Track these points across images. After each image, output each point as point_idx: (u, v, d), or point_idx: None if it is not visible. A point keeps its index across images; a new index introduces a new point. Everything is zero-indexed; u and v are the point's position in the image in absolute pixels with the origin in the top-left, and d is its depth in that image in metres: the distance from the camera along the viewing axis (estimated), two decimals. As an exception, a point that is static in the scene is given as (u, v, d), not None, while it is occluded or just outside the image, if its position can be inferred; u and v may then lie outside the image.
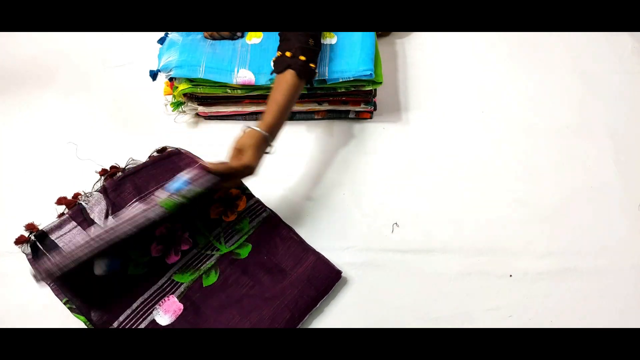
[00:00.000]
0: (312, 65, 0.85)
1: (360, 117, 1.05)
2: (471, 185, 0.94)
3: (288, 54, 0.83)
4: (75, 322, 0.75)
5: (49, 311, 0.78)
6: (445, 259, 0.83)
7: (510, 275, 0.81)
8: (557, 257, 0.83)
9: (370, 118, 1.05)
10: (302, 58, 0.83)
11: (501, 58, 1.17)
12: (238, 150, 0.77)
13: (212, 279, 0.79)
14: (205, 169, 0.73)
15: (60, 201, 0.89)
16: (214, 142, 1.02)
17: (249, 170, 0.77)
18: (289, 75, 0.82)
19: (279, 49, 0.86)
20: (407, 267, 0.82)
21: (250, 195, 0.89)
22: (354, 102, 1.02)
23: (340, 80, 0.94)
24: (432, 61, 1.17)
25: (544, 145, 1.00)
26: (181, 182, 0.72)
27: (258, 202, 0.89)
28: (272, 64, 0.86)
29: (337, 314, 0.78)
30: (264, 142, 0.78)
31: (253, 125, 0.78)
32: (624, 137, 1.00)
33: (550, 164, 0.97)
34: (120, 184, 0.90)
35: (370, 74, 0.93)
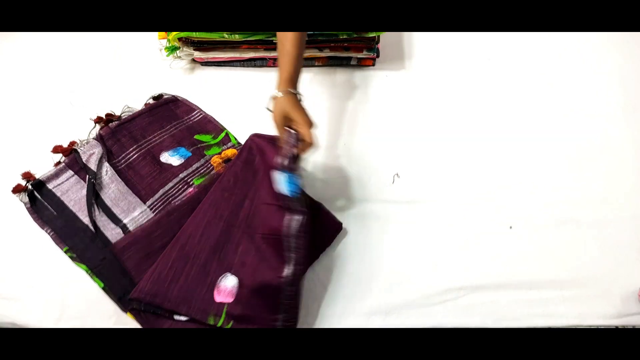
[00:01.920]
0: None
1: (362, 64, 1.01)
2: (473, 134, 0.92)
3: None
4: (74, 274, 0.76)
5: (46, 256, 0.78)
6: (446, 209, 0.83)
7: (510, 227, 0.81)
8: (558, 208, 0.83)
9: (373, 65, 1.01)
10: None
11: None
12: (285, 119, 0.74)
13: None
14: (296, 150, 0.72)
15: (57, 149, 0.87)
16: (211, 88, 0.99)
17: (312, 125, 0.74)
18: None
19: None
20: (407, 217, 0.82)
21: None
22: (356, 49, 0.98)
23: None
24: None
25: (551, 94, 0.97)
26: (287, 182, 0.72)
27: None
28: None
29: (336, 261, 0.79)
30: (297, 98, 0.75)
31: (276, 90, 0.74)
32: (634, 85, 0.97)
33: (556, 113, 0.94)
34: (116, 132, 0.89)
35: None
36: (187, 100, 0.96)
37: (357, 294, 0.76)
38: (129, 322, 0.72)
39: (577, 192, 0.84)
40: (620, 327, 0.75)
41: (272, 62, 1.01)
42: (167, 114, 0.93)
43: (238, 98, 0.98)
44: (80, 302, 0.74)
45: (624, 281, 0.76)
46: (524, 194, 0.84)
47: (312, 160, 0.88)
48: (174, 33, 0.94)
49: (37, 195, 0.82)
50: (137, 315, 0.72)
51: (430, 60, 1.03)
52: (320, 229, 0.78)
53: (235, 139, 0.91)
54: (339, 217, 0.81)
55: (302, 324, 0.72)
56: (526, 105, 0.96)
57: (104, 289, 0.74)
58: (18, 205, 0.82)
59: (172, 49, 0.99)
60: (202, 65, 1.02)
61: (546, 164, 0.88)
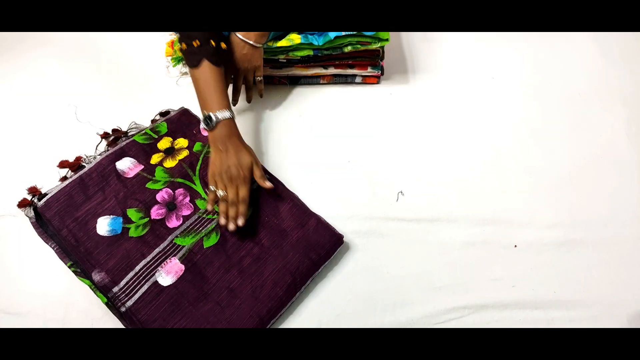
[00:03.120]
0: (223, 45, 0.83)
1: (366, 82, 1.02)
2: (478, 153, 0.92)
3: (196, 42, 0.79)
4: (76, 289, 0.76)
5: (51, 273, 0.79)
6: (450, 228, 0.83)
7: (515, 246, 0.81)
8: (564, 228, 0.82)
9: (377, 83, 1.02)
10: (213, 43, 0.80)
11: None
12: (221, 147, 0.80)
13: (213, 240, 0.79)
14: None
15: (63, 164, 0.88)
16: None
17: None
18: (208, 69, 0.79)
19: (181, 38, 0.81)
20: (412, 236, 0.82)
21: None
22: (361, 66, 0.99)
23: (344, 34, 0.90)
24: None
25: (555, 113, 0.97)
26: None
27: None
28: (183, 55, 0.83)
29: (340, 281, 0.78)
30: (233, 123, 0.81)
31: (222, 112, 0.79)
32: (637, 106, 0.98)
33: (560, 132, 0.95)
34: (124, 151, 0.89)
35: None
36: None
37: (360, 312, 0.75)
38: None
39: (582, 212, 0.84)
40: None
41: (277, 80, 1.01)
42: (182, 127, 0.94)
43: (243, 114, 0.98)
44: (83, 319, 0.74)
45: (630, 301, 0.75)
46: (529, 212, 0.84)
47: (316, 177, 0.89)
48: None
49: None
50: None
51: (435, 78, 1.04)
52: (320, 240, 0.78)
53: None
54: (343, 232, 0.81)
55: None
56: (530, 124, 0.96)
57: (107, 304, 0.74)
58: (24, 220, 0.82)
59: (178, 59, 1.00)
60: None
61: (551, 182, 0.88)
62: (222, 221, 0.77)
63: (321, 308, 0.76)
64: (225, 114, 0.79)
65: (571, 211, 0.84)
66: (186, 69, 1.01)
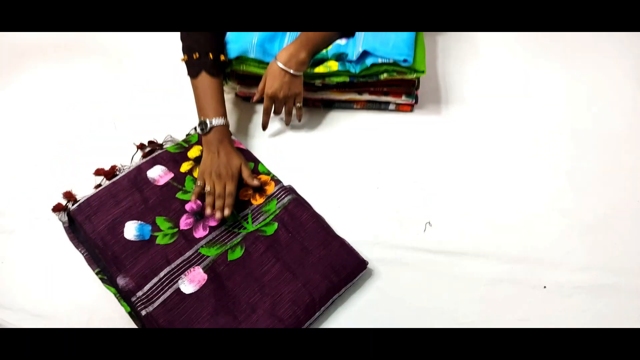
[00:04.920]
0: (222, 57, 0.90)
1: (400, 109, 1.02)
2: (511, 188, 0.90)
3: (196, 55, 0.87)
4: (102, 296, 0.77)
5: (79, 279, 0.80)
6: (477, 264, 0.81)
7: (545, 287, 0.78)
8: (596, 272, 0.79)
9: (411, 111, 1.02)
10: (211, 56, 0.87)
11: (551, 55, 1.11)
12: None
13: (238, 253, 0.80)
14: None
15: (99, 172, 0.91)
16: (251, 124, 1.02)
17: None
18: (206, 79, 0.87)
19: (183, 50, 0.89)
20: (437, 268, 0.81)
21: (277, 181, 0.89)
22: (395, 94, 0.99)
23: (380, 62, 0.90)
24: (477, 56, 1.13)
25: (591, 153, 0.95)
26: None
27: (286, 187, 0.88)
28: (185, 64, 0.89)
29: (361, 307, 0.77)
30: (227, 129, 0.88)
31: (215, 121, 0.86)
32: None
33: (596, 173, 0.92)
34: (156, 160, 0.91)
35: (405, 60, 0.90)
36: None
37: (381, 343, 0.74)
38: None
39: (617, 257, 0.81)
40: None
41: (312, 103, 1.03)
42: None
43: (276, 134, 1.00)
44: (105, 326, 0.75)
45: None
46: (561, 253, 0.82)
47: (344, 201, 0.89)
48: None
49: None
50: None
51: (469, 108, 1.03)
52: (342, 262, 0.78)
53: (266, 167, 0.92)
54: (367, 259, 0.80)
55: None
56: (566, 162, 0.93)
57: (130, 314, 0.75)
58: (58, 224, 0.85)
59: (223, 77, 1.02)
60: (243, 100, 1.05)
61: (586, 224, 0.85)
62: (208, 211, 0.81)
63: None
64: (220, 120, 0.85)
65: (606, 255, 0.81)
66: (230, 88, 1.03)
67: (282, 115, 0.99)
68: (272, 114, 0.96)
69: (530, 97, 1.04)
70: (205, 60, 0.87)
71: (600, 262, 0.80)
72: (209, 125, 0.85)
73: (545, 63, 1.10)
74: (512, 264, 0.81)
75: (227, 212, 0.81)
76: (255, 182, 0.85)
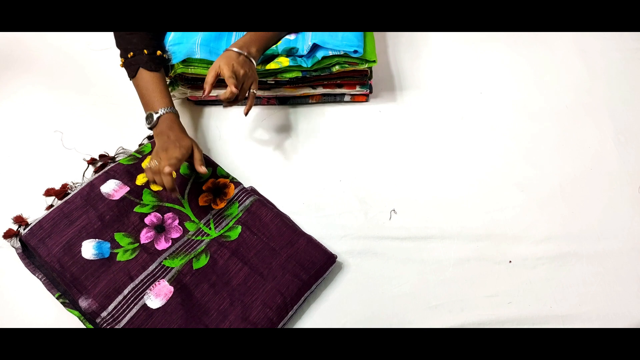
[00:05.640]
0: (159, 52, 0.88)
1: (355, 100, 1.02)
2: (469, 169, 0.92)
3: (130, 54, 0.85)
4: (65, 320, 0.74)
5: (40, 307, 0.77)
6: (444, 246, 0.82)
7: (510, 261, 0.80)
8: (557, 242, 0.82)
9: (366, 101, 1.02)
10: (146, 52, 0.85)
11: (499, 38, 1.14)
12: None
13: (203, 262, 0.78)
14: None
15: (49, 192, 0.87)
16: (205, 128, 0.99)
17: None
18: (145, 75, 0.85)
19: (120, 55, 0.87)
20: (406, 255, 0.81)
21: (237, 183, 0.87)
22: (349, 85, 0.99)
23: (331, 54, 0.90)
24: (427, 42, 1.14)
25: (543, 128, 0.98)
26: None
27: (247, 189, 0.87)
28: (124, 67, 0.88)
29: (334, 301, 0.77)
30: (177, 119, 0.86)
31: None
32: (624, 117, 0.99)
33: (550, 146, 0.95)
34: (109, 174, 0.88)
35: (356, 50, 0.90)
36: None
37: (357, 335, 0.74)
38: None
39: (574, 225, 0.84)
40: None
41: (266, 101, 1.01)
42: None
43: (234, 136, 0.98)
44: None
45: (626, 314, 0.75)
46: (523, 227, 0.84)
47: (307, 197, 0.88)
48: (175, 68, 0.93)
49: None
50: None
51: (423, 94, 1.04)
52: (310, 259, 0.77)
53: (224, 170, 0.90)
54: (336, 252, 0.80)
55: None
56: (520, 138, 0.96)
57: (96, 336, 0.72)
58: (10, 251, 0.80)
59: (170, 84, 0.99)
60: (195, 104, 1.03)
61: (543, 196, 0.88)
62: (149, 175, 0.78)
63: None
64: (165, 110, 0.83)
65: (564, 225, 0.84)
66: (174, 92, 1.00)
67: (239, 107, 0.96)
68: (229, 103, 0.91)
69: (482, 78, 1.07)
70: (141, 57, 0.85)
71: (559, 232, 0.83)
72: (155, 117, 0.82)
73: (494, 44, 1.12)
74: (477, 242, 0.82)
75: (167, 170, 0.74)
76: (203, 169, 0.80)
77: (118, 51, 0.87)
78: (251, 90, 0.88)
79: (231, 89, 0.79)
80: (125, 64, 0.86)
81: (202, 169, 0.80)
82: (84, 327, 0.73)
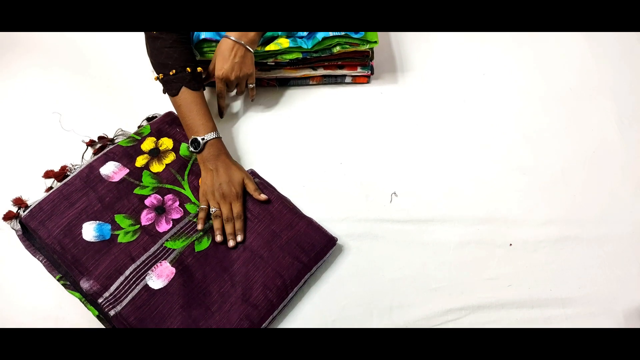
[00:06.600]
0: (199, 69, 0.85)
1: (356, 81, 1.01)
2: (471, 152, 0.91)
3: (172, 71, 0.82)
4: (66, 302, 0.74)
5: (41, 286, 0.77)
6: (445, 229, 0.82)
7: (510, 244, 0.80)
8: (558, 225, 0.82)
9: (368, 82, 1.01)
10: (189, 70, 0.83)
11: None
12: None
13: (205, 244, 0.78)
14: None
15: (48, 174, 0.86)
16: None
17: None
18: (188, 95, 0.82)
19: (155, 67, 0.84)
20: (406, 237, 0.81)
21: None
22: (350, 66, 0.98)
23: (331, 35, 0.89)
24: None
25: (546, 110, 0.97)
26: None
27: (249, 171, 0.86)
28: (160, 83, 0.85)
29: (334, 283, 0.78)
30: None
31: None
32: (628, 101, 0.98)
33: (552, 129, 0.94)
34: (108, 156, 0.87)
35: (357, 31, 0.89)
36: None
37: (357, 316, 0.74)
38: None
39: (576, 209, 0.84)
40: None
41: (266, 83, 1.00)
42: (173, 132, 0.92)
43: (233, 118, 0.97)
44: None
45: (626, 297, 0.75)
46: (524, 210, 0.84)
47: (308, 179, 0.88)
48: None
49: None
50: None
51: (425, 76, 1.03)
52: (310, 242, 0.78)
53: None
54: (337, 235, 0.80)
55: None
56: (522, 121, 0.96)
57: (98, 317, 0.73)
58: (11, 233, 0.80)
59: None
60: (195, 85, 1.01)
61: (545, 180, 0.88)
62: (219, 238, 0.77)
63: (316, 312, 0.75)
64: (212, 135, 0.82)
65: (565, 208, 0.84)
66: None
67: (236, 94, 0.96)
68: (226, 97, 0.92)
69: (485, 60, 1.05)
70: (184, 75, 0.82)
71: (560, 216, 0.83)
72: (201, 143, 0.81)
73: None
74: (477, 225, 0.82)
75: (240, 238, 0.77)
76: (263, 197, 0.80)
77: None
78: (248, 85, 0.88)
79: (259, 197, 0.81)
80: (165, 81, 0.83)
81: (261, 197, 0.80)
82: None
